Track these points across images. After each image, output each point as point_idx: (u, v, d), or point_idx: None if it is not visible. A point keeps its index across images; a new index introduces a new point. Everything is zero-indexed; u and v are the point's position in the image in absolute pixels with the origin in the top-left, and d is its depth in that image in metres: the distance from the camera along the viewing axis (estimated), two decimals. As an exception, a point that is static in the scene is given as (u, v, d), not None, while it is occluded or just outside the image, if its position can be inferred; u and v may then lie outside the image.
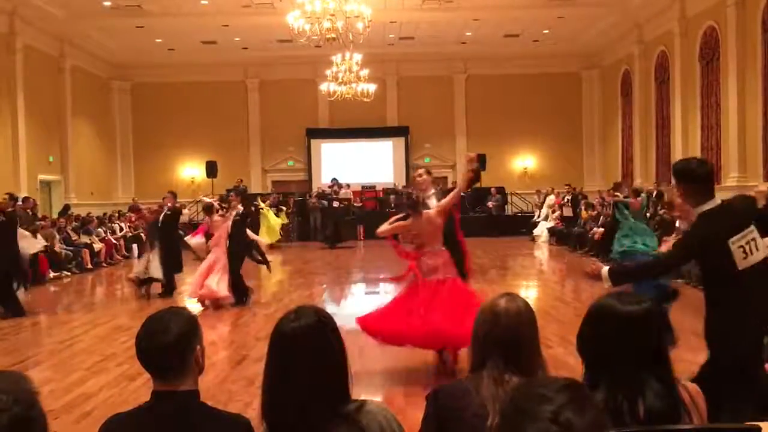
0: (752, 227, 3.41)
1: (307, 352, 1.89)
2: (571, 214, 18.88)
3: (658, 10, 18.64)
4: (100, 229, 17.19)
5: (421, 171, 7.26)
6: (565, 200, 19.41)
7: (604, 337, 2.04)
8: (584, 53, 24.27)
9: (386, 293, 11.78)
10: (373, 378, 6.00)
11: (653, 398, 1.94)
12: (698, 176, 3.43)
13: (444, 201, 6.36)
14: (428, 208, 6.24)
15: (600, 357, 2.04)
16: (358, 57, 18.48)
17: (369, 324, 6.04)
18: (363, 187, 23.84)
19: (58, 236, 14.99)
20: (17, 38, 17.55)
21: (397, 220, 6.27)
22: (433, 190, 7.06)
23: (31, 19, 17.97)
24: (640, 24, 20.20)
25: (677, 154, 18.01)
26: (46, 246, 13.97)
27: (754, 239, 3.38)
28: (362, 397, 2.01)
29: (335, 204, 21.14)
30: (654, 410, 1.94)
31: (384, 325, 5.94)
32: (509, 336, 2.08)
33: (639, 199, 10.19)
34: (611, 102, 23.82)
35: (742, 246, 3.33)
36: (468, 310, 5.15)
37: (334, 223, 20.52)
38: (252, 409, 5.01)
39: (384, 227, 6.12)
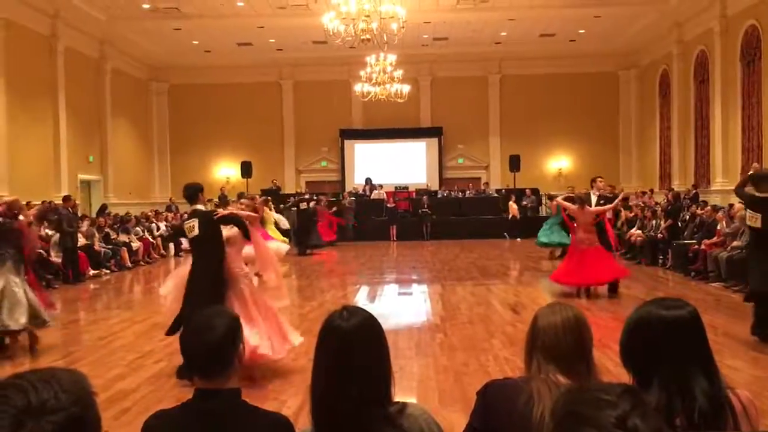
0: None
1: (358, 350, 1.89)
2: (611, 216, 18.60)
3: (698, 9, 18.32)
4: (138, 228, 17.48)
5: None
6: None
7: (652, 345, 2.02)
8: (621, 53, 23.94)
9: (420, 293, 11.80)
10: (407, 379, 5.99)
11: (704, 401, 1.93)
12: None
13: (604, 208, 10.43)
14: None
15: (649, 365, 2.02)
16: (392, 58, 18.50)
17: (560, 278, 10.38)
18: (396, 187, 23.87)
19: (97, 235, 15.27)
20: (59, 41, 17.96)
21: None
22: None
23: (72, 22, 18.36)
24: (680, 23, 19.86)
25: (717, 156, 17.69)
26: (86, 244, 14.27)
27: None
28: (397, 399, 2.01)
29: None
30: (703, 413, 1.92)
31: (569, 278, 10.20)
32: (560, 344, 2.15)
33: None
34: (649, 102, 23.47)
35: None
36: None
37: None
38: (287, 408, 5.06)
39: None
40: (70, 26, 18.40)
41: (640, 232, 15.44)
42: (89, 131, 20.14)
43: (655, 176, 22.68)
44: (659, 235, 14.54)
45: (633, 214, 16.67)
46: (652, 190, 20.14)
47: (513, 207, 21.74)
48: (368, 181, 23.91)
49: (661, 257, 14.30)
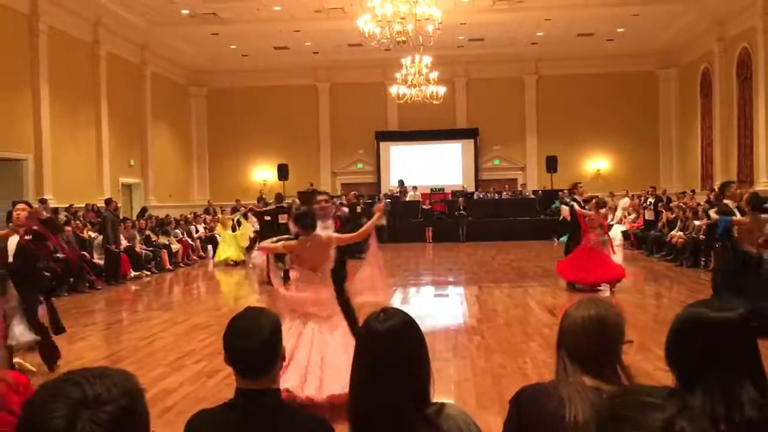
0: None
1: (396, 352, 1.90)
2: (652, 217, 18.30)
3: (740, 6, 17.93)
4: (177, 230, 17.76)
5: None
6: (648, 203, 18.83)
7: (698, 347, 1.98)
8: (661, 51, 23.55)
9: (457, 295, 11.76)
10: (444, 381, 5.99)
11: (750, 407, 1.88)
12: None
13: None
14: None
15: (694, 368, 1.98)
16: (427, 59, 18.47)
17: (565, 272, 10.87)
18: (432, 189, 23.84)
19: (138, 237, 15.56)
20: (101, 47, 18.38)
21: None
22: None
23: (114, 29, 18.77)
24: (721, 20, 19.46)
25: (761, 155, 17.29)
26: (128, 246, 14.57)
27: None
28: (435, 400, 2.01)
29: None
30: (751, 420, 1.87)
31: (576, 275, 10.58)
32: (581, 343, 2.09)
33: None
34: (690, 101, 23.03)
35: None
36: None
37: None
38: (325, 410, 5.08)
39: None
40: (112, 33, 18.81)
41: (681, 233, 15.16)
42: (130, 135, 20.55)
43: (697, 177, 22.25)
44: (700, 237, 14.25)
45: (674, 215, 16.37)
46: (693, 191, 19.76)
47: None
48: (401, 183, 23.90)
49: (702, 259, 14.02)
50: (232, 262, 16.65)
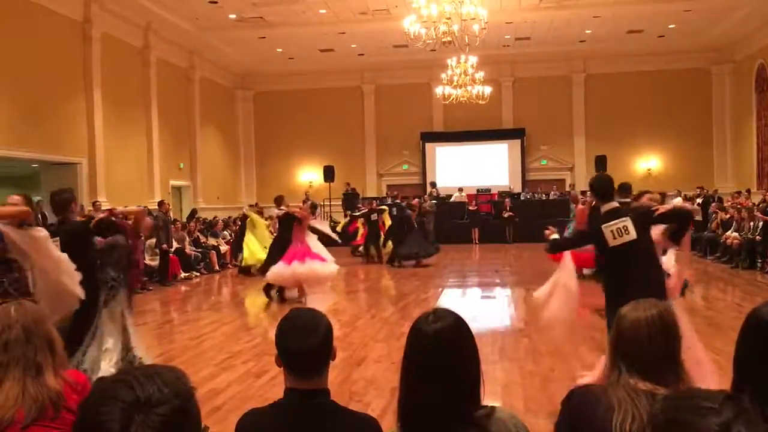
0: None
1: (447, 353, 1.89)
2: (701, 218, 17.86)
3: (798, -1, 17.34)
4: (225, 232, 18.02)
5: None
6: (696, 203, 18.39)
7: (752, 346, 1.92)
8: (714, 47, 22.92)
9: (504, 297, 11.65)
10: (491, 383, 5.93)
11: None
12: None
13: None
14: None
15: (750, 368, 1.92)
16: (473, 59, 18.37)
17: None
18: (478, 190, 23.68)
19: (188, 239, 15.84)
20: (151, 52, 18.78)
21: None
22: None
23: (163, 34, 19.16)
24: (778, 14, 18.85)
25: (821, 153, 16.68)
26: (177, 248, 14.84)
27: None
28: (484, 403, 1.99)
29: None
30: None
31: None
32: (643, 345, 2.05)
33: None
34: (745, 98, 22.36)
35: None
36: None
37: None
38: (371, 410, 5.08)
39: None
40: (161, 38, 19.21)
41: (736, 234, 14.73)
42: (179, 139, 20.95)
43: (752, 176, 21.58)
44: (757, 237, 13.82)
45: (729, 215, 15.91)
46: (749, 190, 19.17)
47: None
48: (433, 184, 23.77)
49: (759, 260, 13.59)
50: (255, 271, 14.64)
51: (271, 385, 5.90)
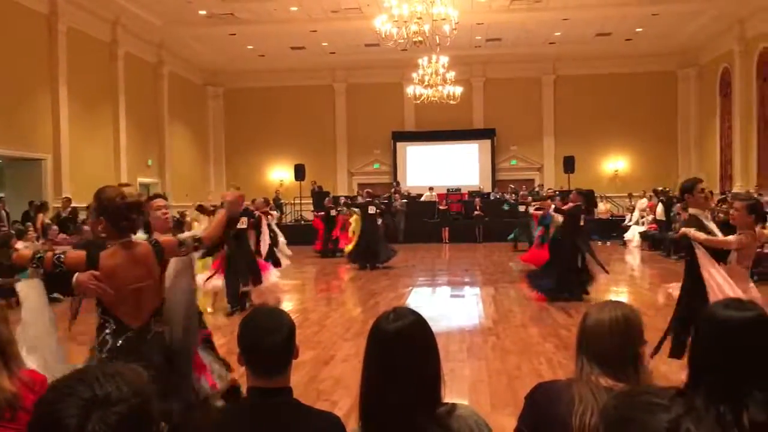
0: None
1: (407, 352, 1.90)
2: (664, 218, 18.18)
3: (760, 5, 17.72)
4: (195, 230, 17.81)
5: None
6: (652, 199, 18.94)
7: (707, 344, 1.97)
8: (680, 51, 23.34)
9: (473, 295, 11.73)
10: (459, 382, 5.97)
11: (757, 411, 1.85)
12: None
13: None
14: None
15: (704, 365, 1.96)
16: (444, 59, 18.44)
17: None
18: (448, 190, 23.79)
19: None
20: (119, 46, 18.52)
21: None
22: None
23: (132, 28, 18.92)
24: (741, 19, 19.24)
25: (782, 156, 17.08)
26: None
27: None
28: (448, 401, 2.01)
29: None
30: (757, 423, 1.84)
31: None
32: (605, 344, 2.11)
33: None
34: (709, 102, 22.80)
35: None
36: None
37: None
38: (338, 409, 5.08)
39: None
40: (130, 32, 18.95)
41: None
42: (148, 135, 20.70)
43: (716, 178, 22.02)
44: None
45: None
46: (711, 192, 19.53)
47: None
48: (396, 184, 23.80)
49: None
50: None
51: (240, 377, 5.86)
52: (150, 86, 20.98)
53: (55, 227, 13.12)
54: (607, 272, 11.17)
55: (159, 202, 4.78)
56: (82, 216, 14.84)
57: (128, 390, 1.19)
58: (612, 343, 2.09)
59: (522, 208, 18.11)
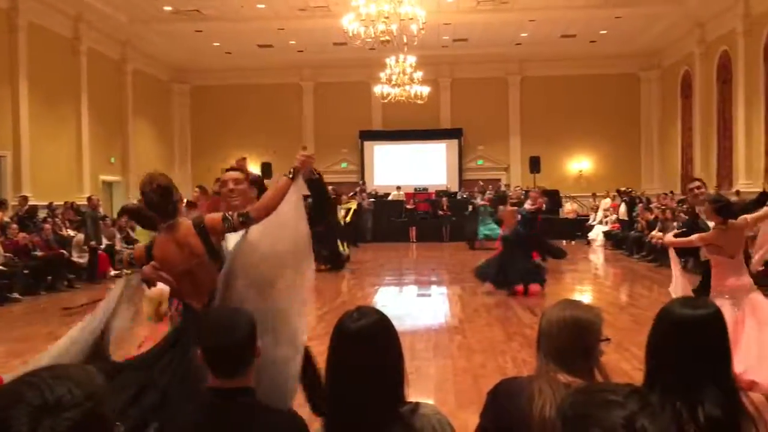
0: None
1: (370, 350, 1.91)
2: (627, 218, 18.49)
3: (720, 9, 18.10)
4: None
5: None
6: (616, 199, 19.26)
7: (663, 342, 2.01)
8: (643, 54, 23.73)
9: (439, 294, 11.78)
10: (424, 380, 5.99)
11: (712, 406, 1.89)
12: None
13: None
14: None
15: (659, 361, 2.01)
16: (411, 59, 18.50)
17: None
18: (416, 189, 23.86)
19: (119, 235, 15.42)
20: (82, 42, 18.18)
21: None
22: None
23: (95, 24, 18.58)
24: (702, 23, 19.64)
25: (740, 157, 17.48)
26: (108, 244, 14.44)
27: None
28: (414, 400, 2.02)
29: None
30: (712, 418, 1.88)
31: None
32: (558, 342, 2.14)
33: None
34: (671, 103, 23.23)
35: None
36: None
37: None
38: (301, 408, 5.06)
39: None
40: (93, 28, 18.61)
41: (660, 234, 15.27)
42: (111, 132, 20.36)
43: (677, 178, 22.45)
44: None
45: (654, 216, 16.51)
46: (672, 192, 19.93)
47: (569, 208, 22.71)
48: (362, 183, 23.80)
49: (682, 260, 14.11)
50: None
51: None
52: (114, 83, 20.63)
53: (14, 225, 12.83)
54: (565, 254, 11.84)
55: (228, 175, 4.08)
56: (42, 214, 14.56)
57: (80, 393, 1.14)
58: (565, 340, 2.12)
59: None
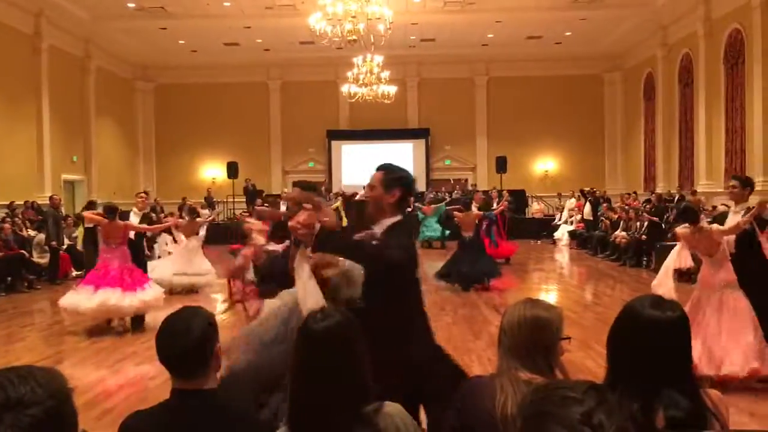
0: None
1: (333, 351, 1.91)
2: (591, 218, 18.75)
3: (682, 12, 18.46)
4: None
5: None
6: (580, 199, 19.56)
7: (627, 341, 2.02)
8: (607, 55, 24.09)
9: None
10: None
11: (673, 406, 1.91)
12: None
13: None
14: None
15: (622, 361, 2.02)
16: (379, 59, 18.50)
17: None
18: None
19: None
20: (43, 39, 17.80)
21: None
22: None
23: (56, 21, 18.21)
24: (664, 26, 20.01)
25: (701, 158, 17.84)
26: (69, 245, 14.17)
27: None
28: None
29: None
30: (675, 418, 1.90)
31: None
32: (517, 340, 2.17)
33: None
34: (634, 105, 23.62)
35: None
36: None
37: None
38: (269, 410, 5.02)
39: None
40: (54, 25, 18.23)
41: (624, 233, 15.53)
42: (73, 131, 19.98)
43: (640, 178, 22.83)
44: (643, 237, 14.64)
45: (617, 216, 16.77)
46: (635, 192, 20.27)
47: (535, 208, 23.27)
48: (327, 183, 23.77)
49: (645, 259, 14.39)
50: None
51: (166, 387, 5.68)
52: (76, 80, 20.25)
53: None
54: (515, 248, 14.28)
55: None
56: (1, 213, 14.23)
57: (42, 392, 1.16)
58: (526, 338, 2.15)
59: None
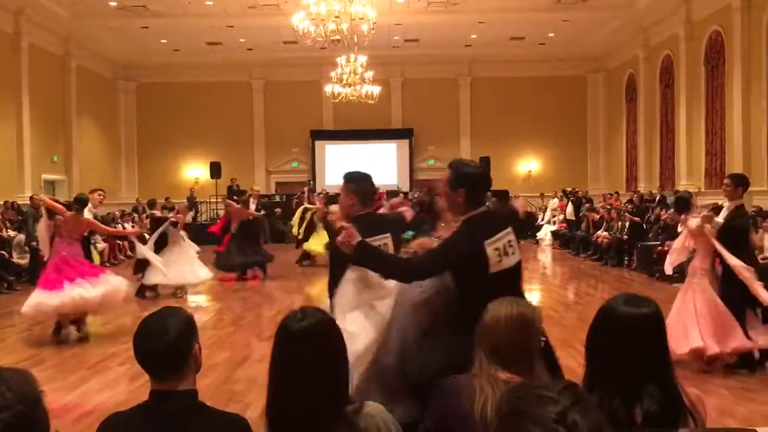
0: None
1: (313, 351, 1.90)
2: (574, 218, 18.86)
3: (663, 15, 18.62)
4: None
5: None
6: (563, 199, 19.68)
7: (604, 339, 2.03)
8: (590, 57, 24.25)
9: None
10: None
11: (651, 403, 1.92)
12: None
13: None
14: None
15: (600, 359, 2.03)
16: (362, 59, 18.49)
17: None
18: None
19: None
20: (23, 38, 17.61)
21: None
22: None
23: (36, 19, 18.02)
24: (646, 28, 20.18)
25: (682, 158, 18.01)
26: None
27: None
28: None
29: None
30: (652, 415, 1.91)
31: None
32: (500, 340, 2.15)
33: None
34: (616, 105, 23.80)
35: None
36: None
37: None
38: (253, 410, 5.02)
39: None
40: (34, 23, 18.04)
41: (606, 233, 15.64)
42: (53, 130, 19.78)
43: (622, 178, 23.00)
44: (624, 236, 14.76)
45: (600, 216, 16.88)
46: (617, 192, 20.41)
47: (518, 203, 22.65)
48: (310, 183, 23.67)
49: (626, 258, 14.50)
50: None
51: (146, 388, 5.66)
52: (56, 80, 20.05)
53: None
54: None
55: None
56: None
57: (12, 396, 1.14)
58: (506, 338, 2.14)
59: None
